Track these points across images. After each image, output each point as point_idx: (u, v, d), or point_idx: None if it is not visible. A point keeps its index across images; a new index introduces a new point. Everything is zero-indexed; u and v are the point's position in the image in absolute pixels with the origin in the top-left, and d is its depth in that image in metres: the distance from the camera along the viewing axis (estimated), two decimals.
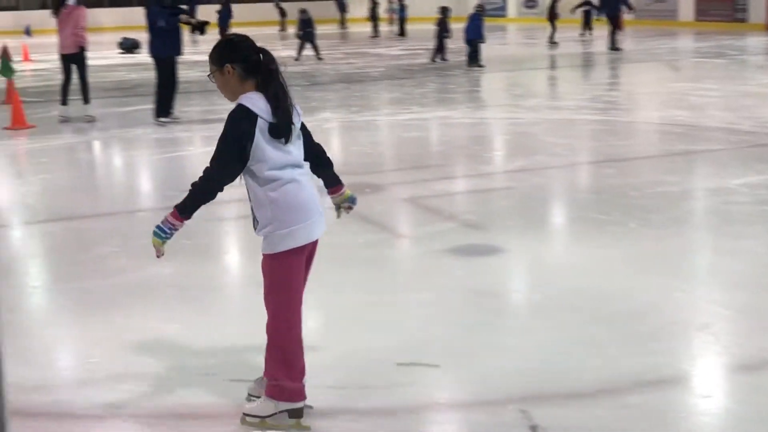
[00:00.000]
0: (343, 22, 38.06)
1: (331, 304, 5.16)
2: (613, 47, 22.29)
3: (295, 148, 3.54)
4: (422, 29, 32.20)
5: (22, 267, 6.21)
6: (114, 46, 27.23)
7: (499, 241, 6.31)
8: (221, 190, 3.50)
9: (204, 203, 3.52)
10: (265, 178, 3.44)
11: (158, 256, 3.64)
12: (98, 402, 3.93)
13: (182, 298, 5.30)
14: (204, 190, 3.50)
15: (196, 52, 25.65)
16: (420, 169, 8.94)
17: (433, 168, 9.08)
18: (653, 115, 12.67)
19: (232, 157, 3.42)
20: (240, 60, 3.48)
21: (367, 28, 35.01)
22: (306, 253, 3.59)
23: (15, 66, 13.26)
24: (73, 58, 12.29)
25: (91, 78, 13.08)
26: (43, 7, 12.19)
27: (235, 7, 37.85)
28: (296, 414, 3.63)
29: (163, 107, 11.94)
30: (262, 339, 4.61)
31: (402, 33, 31.66)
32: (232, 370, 4.21)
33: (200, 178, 3.50)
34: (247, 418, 3.65)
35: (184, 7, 12.18)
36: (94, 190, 8.71)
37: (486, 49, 19.89)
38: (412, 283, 5.59)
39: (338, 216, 4.11)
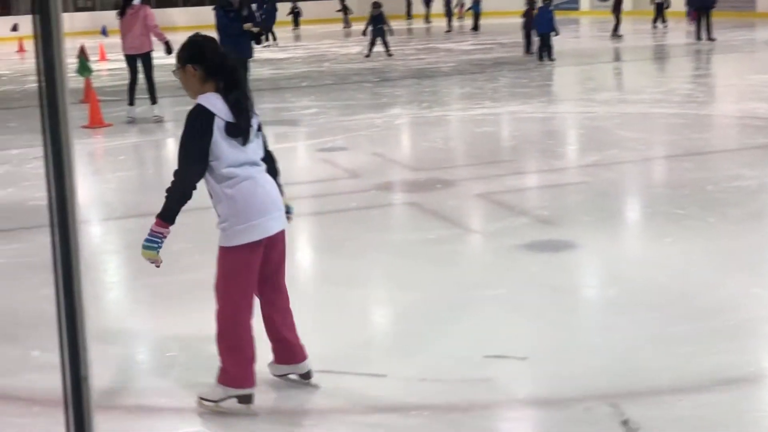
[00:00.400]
0: (427, 17, 37.77)
1: (403, 301, 5.14)
2: (709, 37, 21.95)
3: (253, 148, 3.67)
4: (497, 24, 31.99)
5: (101, 262, 6.33)
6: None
7: (573, 236, 6.22)
8: (195, 188, 3.62)
9: (182, 205, 3.64)
10: (222, 175, 3.58)
11: (158, 266, 3.79)
12: (175, 395, 3.98)
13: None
14: (179, 193, 3.62)
15: (265, 50, 25.90)
16: (492, 165, 8.87)
17: (505, 163, 9.01)
18: (731, 107, 12.37)
19: (195, 154, 3.57)
20: (202, 62, 3.62)
21: (440, 23, 34.92)
22: (262, 248, 3.68)
23: (92, 65, 13.52)
24: (140, 59, 12.37)
25: (165, 77, 13.25)
26: (117, 7, 12.56)
27: (303, 5, 38.15)
28: (245, 400, 3.73)
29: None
30: (333, 332, 4.64)
31: (476, 28, 31.41)
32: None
33: (172, 182, 3.62)
34: (203, 402, 3.78)
35: (257, 13, 12.41)
36: (167, 186, 8.82)
37: (558, 43, 19.65)
38: (485, 279, 5.54)
39: None
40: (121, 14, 12.37)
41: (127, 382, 4.15)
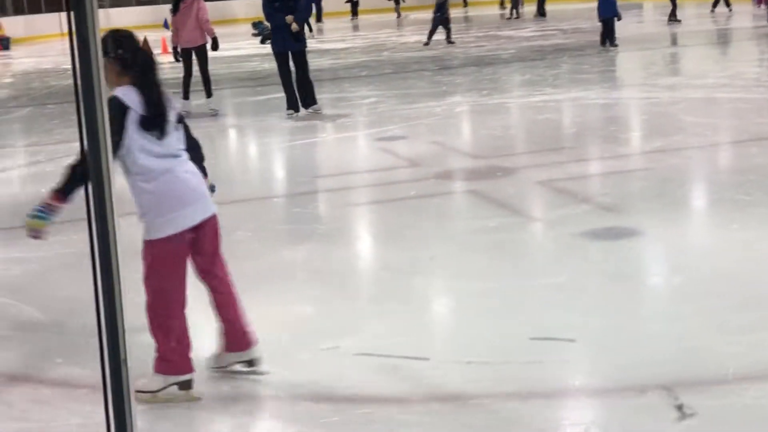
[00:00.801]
0: (502, 4, 36.95)
1: (464, 288, 5.11)
2: None
3: (171, 140, 3.69)
4: (563, 10, 31.58)
5: None
6: (246, 37, 27.87)
7: (636, 223, 6.11)
8: None
9: (80, 186, 3.51)
10: (139, 169, 3.60)
11: (38, 237, 3.69)
12: (234, 382, 4.00)
13: (315, 282, 5.35)
14: (80, 176, 3.52)
15: (324, 40, 26.02)
16: (553, 152, 8.76)
17: (567, 150, 8.89)
18: None
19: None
20: (117, 55, 3.63)
21: (495, 10, 34.64)
22: (187, 239, 3.71)
23: (155, 58, 13.68)
24: (195, 52, 12.36)
25: (226, 68, 13.34)
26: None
27: None
28: (185, 386, 3.77)
29: (290, 101, 11.70)
30: (392, 320, 4.63)
31: (542, 13, 30.94)
32: (367, 352, 4.22)
33: (76, 161, 3.63)
34: (139, 395, 3.59)
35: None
36: (229, 176, 8.90)
37: (620, 28, 19.33)
38: (546, 267, 5.47)
39: None
40: (175, 10, 12.36)
41: None
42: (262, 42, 26.02)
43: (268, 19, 11.66)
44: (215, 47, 12.47)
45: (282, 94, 11.79)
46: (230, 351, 3.98)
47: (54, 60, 25.13)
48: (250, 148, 10.82)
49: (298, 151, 9.93)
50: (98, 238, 1.40)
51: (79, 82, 1.42)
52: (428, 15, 23.16)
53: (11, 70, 23.60)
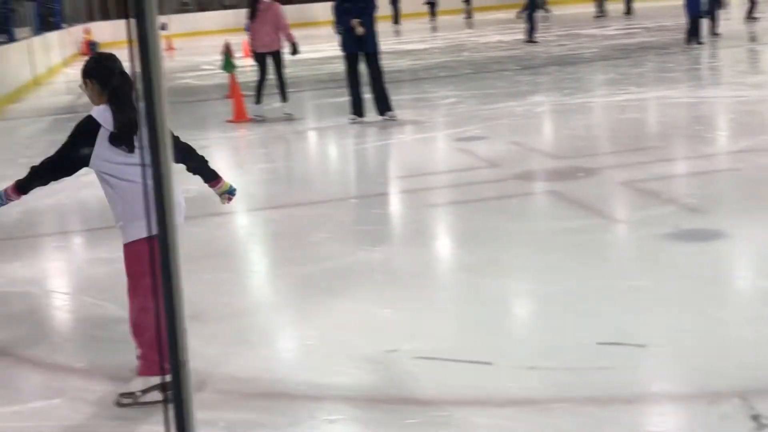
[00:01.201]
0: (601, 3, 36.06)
1: (543, 291, 5.04)
2: None
3: (144, 153, 3.65)
4: (650, 7, 31.01)
5: (244, 252, 6.48)
6: (327, 39, 28.03)
7: (723, 225, 5.93)
8: (54, 178, 3.98)
9: (38, 185, 3.97)
10: (107, 177, 3.90)
11: None
12: (314, 383, 4.01)
13: (393, 283, 5.34)
14: (40, 175, 3.94)
15: (404, 41, 26.03)
16: (637, 152, 8.58)
17: (651, 150, 8.69)
18: None
19: (68, 154, 3.90)
20: (97, 78, 3.91)
21: (576, 9, 34.21)
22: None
23: (236, 62, 13.86)
24: (271, 56, 12.35)
25: (306, 71, 13.42)
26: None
27: None
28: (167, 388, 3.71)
29: (354, 105, 11.54)
30: (470, 322, 4.58)
31: (628, 11, 30.41)
32: (444, 355, 4.18)
33: (40, 162, 3.93)
34: (122, 399, 3.86)
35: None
36: (308, 178, 8.96)
37: (707, 26, 18.88)
38: (628, 269, 5.35)
39: (223, 202, 4.51)
40: (252, 16, 12.30)
41: (265, 370, 4.21)
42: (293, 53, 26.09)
43: (337, 21, 11.40)
44: (295, 52, 12.49)
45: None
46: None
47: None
48: (329, 149, 10.87)
49: (376, 152, 9.94)
50: (159, 242, 1.41)
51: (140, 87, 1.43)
52: (500, 15, 22.97)
53: None
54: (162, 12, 38.56)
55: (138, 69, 1.42)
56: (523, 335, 4.59)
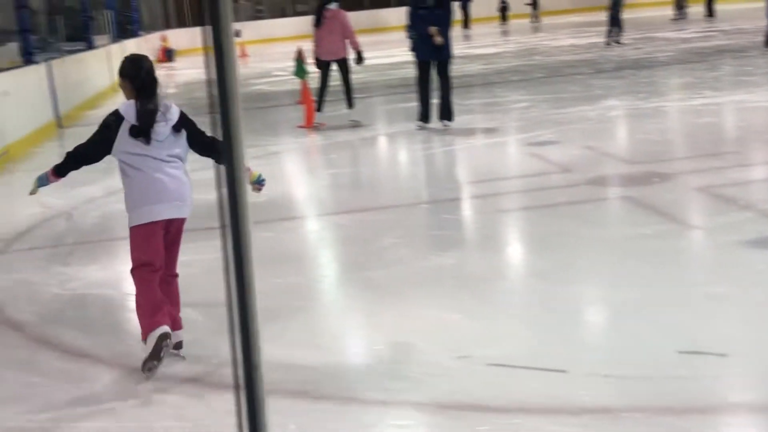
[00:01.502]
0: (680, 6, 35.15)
1: (616, 299, 4.95)
2: None
3: (160, 146, 4.38)
4: (729, 10, 30.35)
5: (313, 256, 6.50)
6: (398, 44, 28.10)
7: None
8: (85, 163, 4.48)
9: (72, 170, 4.50)
10: (124, 166, 4.40)
11: (31, 193, 4.56)
12: (382, 388, 4.00)
13: (463, 289, 5.30)
14: (73, 160, 4.46)
15: (474, 46, 25.93)
16: (713, 157, 8.39)
17: (729, 155, 8.49)
18: None
19: (95, 142, 4.43)
20: (129, 76, 4.42)
21: (651, 12, 33.65)
22: (161, 229, 4.39)
23: (309, 68, 13.96)
24: (337, 64, 12.24)
25: (378, 76, 13.43)
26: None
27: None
28: (164, 337, 4.28)
29: (422, 112, 11.36)
30: (542, 329, 4.52)
31: (710, 14, 29.77)
32: (515, 362, 4.13)
33: (74, 149, 4.47)
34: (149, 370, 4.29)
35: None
36: (379, 183, 8.97)
37: None
38: (705, 277, 5.23)
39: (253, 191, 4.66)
40: (317, 24, 12.22)
41: (335, 374, 4.21)
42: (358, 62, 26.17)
43: (411, 27, 11.18)
44: (360, 61, 12.47)
45: (432, 101, 11.74)
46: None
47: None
48: (399, 154, 10.87)
49: (447, 157, 9.91)
50: (232, 244, 1.42)
51: (215, 92, 1.44)
52: (574, 18, 22.72)
53: (175, 80, 24.63)
54: (237, 19, 39.13)
55: (213, 76, 1.43)
56: (596, 343, 4.51)
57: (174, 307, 4.57)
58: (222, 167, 1.47)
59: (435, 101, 11.33)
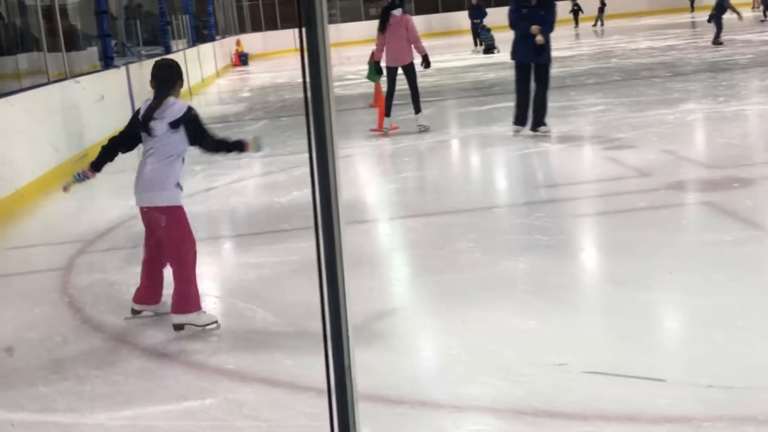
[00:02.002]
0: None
1: (694, 306, 4.84)
2: None
3: (158, 140, 4.93)
4: None
5: (386, 260, 6.50)
6: (469, 47, 28.02)
7: None
8: (117, 152, 5.13)
9: (107, 162, 5.12)
10: (142, 156, 5.05)
11: (65, 189, 5.14)
12: (456, 393, 3.97)
13: (538, 294, 5.24)
14: (107, 153, 5.10)
15: (576, 45, 25.71)
16: None
17: None
18: None
19: (123, 133, 5.13)
20: (155, 78, 5.02)
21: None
22: (145, 216, 5.07)
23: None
24: (404, 70, 12.07)
25: (450, 79, 13.38)
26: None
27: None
28: (132, 311, 5.35)
29: (519, 116, 11.02)
30: (618, 335, 4.45)
31: None
32: (591, 368, 4.07)
33: (108, 141, 5.11)
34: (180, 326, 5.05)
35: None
36: (451, 186, 8.93)
37: None
38: None
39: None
40: (382, 29, 12.06)
41: (409, 378, 4.20)
42: (486, 52, 26.13)
43: (512, 26, 10.79)
44: (427, 65, 12.41)
45: (505, 104, 11.65)
46: (143, 303, 5.37)
47: (289, 74, 26.34)
48: (473, 158, 10.81)
49: (521, 161, 9.82)
50: (325, 245, 1.42)
51: (309, 95, 1.44)
52: (651, 21, 22.34)
53: (249, 84, 24.95)
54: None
55: (308, 78, 1.44)
56: (676, 350, 4.42)
57: (158, 287, 5.31)
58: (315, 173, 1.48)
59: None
